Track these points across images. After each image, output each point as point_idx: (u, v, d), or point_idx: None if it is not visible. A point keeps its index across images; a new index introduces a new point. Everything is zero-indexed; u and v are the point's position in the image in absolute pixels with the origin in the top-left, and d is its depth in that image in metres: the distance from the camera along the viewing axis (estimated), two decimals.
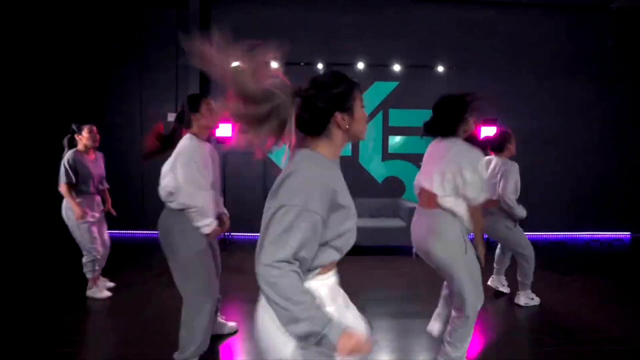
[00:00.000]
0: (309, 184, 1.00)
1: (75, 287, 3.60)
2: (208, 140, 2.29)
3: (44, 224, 3.46)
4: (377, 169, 6.17)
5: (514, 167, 3.18)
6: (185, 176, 2.06)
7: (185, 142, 2.15)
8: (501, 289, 3.71)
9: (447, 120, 2.13)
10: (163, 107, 5.93)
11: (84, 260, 3.39)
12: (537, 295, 3.46)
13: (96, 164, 3.44)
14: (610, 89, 6.21)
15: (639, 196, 6.32)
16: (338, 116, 1.07)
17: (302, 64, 5.88)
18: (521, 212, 3.16)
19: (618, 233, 6.38)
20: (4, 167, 5.29)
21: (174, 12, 5.91)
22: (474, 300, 2.14)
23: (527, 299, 3.42)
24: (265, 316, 1.09)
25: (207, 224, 2.14)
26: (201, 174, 2.10)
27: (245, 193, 5.85)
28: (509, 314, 3.30)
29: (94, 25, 5.90)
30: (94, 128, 3.38)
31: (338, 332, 0.97)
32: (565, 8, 6.02)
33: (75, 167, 3.25)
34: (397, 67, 5.97)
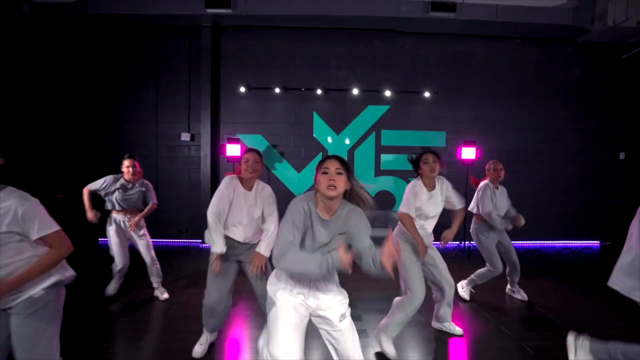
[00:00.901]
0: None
1: (90, 290, 3.97)
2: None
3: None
4: (371, 184, 6.74)
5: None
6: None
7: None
8: (516, 295, 4.06)
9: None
10: (176, 128, 6.56)
11: (113, 265, 3.87)
12: (512, 296, 4.03)
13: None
14: (578, 112, 6.87)
15: (606, 208, 6.97)
16: None
17: (302, 89, 6.52)
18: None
19: (588, 242, 6.98)
20: (37, 188, 5.86)
21: (186, 42, 6.55)
22: (410, 296, 2.78)
23: (465, 292, 4.01)
24: None
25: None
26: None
27: None
28: (485, 314, 3.62)
29: (115, 55, 6.54)
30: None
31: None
32: (538, 41, 6.72)
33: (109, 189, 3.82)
34: (387, 93, 6.60)
